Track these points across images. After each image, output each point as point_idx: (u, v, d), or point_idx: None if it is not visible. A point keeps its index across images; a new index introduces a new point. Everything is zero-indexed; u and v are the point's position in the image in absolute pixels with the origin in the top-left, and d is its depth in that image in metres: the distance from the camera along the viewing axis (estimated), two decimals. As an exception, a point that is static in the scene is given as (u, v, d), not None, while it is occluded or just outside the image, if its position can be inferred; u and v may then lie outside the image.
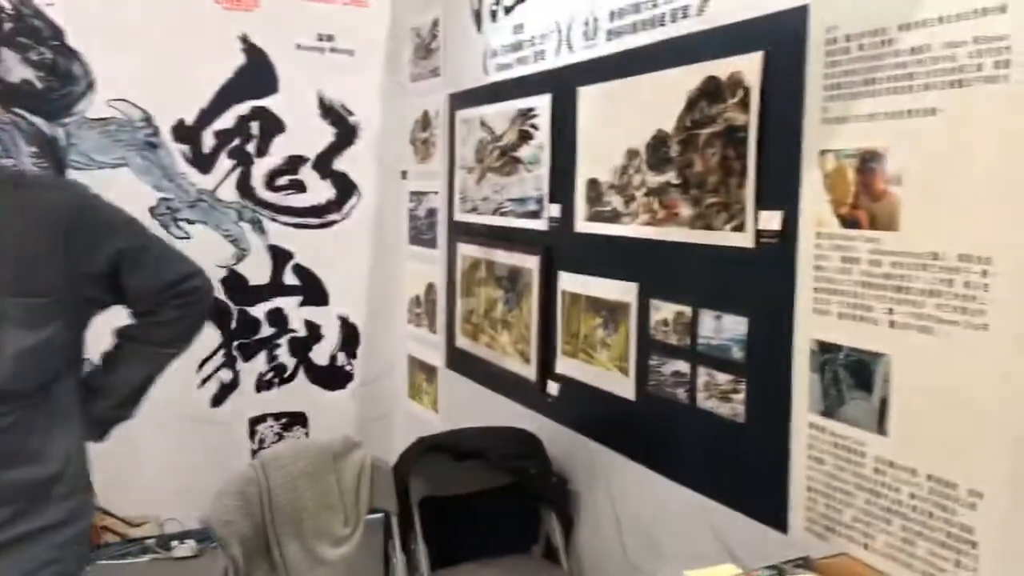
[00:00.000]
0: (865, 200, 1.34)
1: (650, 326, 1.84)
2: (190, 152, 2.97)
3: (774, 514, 1.55)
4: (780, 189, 1.51)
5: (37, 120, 2.72)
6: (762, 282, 1.55)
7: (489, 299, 2.56)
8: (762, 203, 1.55)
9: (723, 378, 1.64)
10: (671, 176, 1.77)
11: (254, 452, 3.12)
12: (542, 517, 2.16)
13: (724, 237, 1.63)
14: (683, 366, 1.74)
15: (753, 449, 1.59)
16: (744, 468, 1.62)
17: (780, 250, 1.51)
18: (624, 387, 1.93)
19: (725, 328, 1.64)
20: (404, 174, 3.23)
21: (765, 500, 1.57)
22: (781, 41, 1.51)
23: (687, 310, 1.73)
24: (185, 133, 2.95)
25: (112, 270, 1.39)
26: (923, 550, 1.28)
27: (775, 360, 1.52)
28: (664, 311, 1.80)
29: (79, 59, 2.74)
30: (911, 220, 1.27)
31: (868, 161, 1.33)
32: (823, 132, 1.42)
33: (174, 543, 2.95)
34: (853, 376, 1.38)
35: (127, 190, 2.73)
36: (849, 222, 1.37)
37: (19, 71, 2.69)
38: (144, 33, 2.81)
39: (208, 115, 2.99)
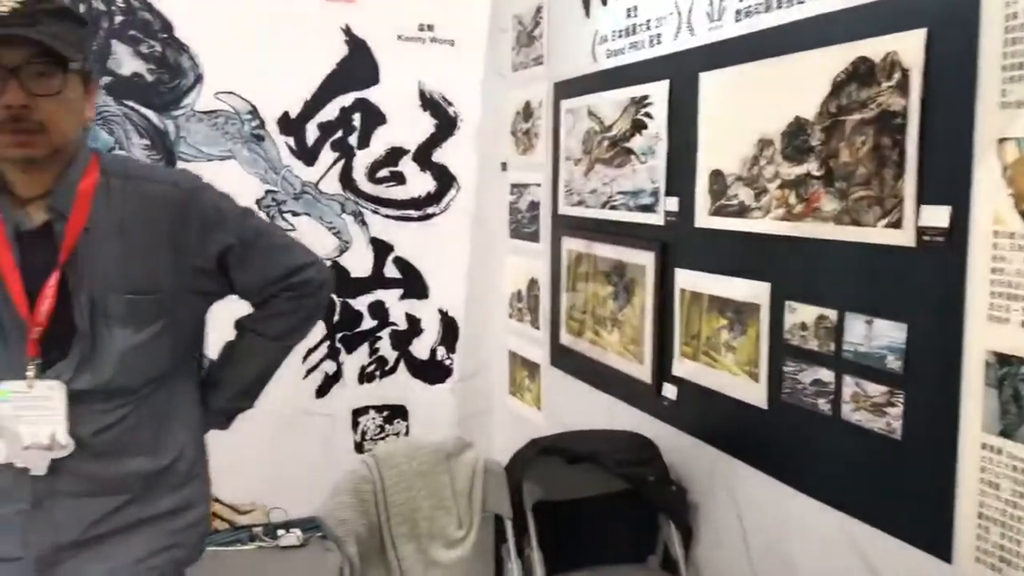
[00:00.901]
0: (1059, 195, 1.18)
1: (784, 329, 1.71)
2: (294, 144, 2.97)
3: (936, 541, 1.40)
4: (947, 182, 1.36)
5: (148, 112, 2.76)
6: (925, 285, 1.41)
7: (597, 296, 2.47)
8: (925, 197, 1.40)
9: (875, 389, 1.50)
10: (812, 167, 1.63)
11: (357, 444, 3.13)
12: (660, 526, 2.06)
13: (877, 234, 1.49)
14: (825, 374, 1.61)
15: (912, 469, 1.45)
16: (900, 489, 1.48)
17: (947, 250, 1.36)
18: (754, 394, 1.80)
19: (878, 335, 1.49)
20: (504, 166, 3.15)
21: (925, 525, 1.43)
22: (947, 17, 1.35)
23: (831, 313, 1.60)
24: (290, 125, 2.95)
25: (221, 264, 1.38)
26: None
27: (941, 372, 1.38)
28: (802, 314, 1.66)
29: (187, 52, 2.77)
30: (1122, 218, 1.11)
31: (1066, 151, 1.17)
32: (1002, 118, 1.26)
33: (280, 532, 2.97)
34: (1038, 393, 1.23)
35: (234, 182, 2.73)
36: (1037, 220, 1.22)
37: (130, 64, 2.73)
38: (250, 26, 2.81)
39: (312, 107, 2.98)
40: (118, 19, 2.71)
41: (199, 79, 2.81)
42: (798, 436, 1.70)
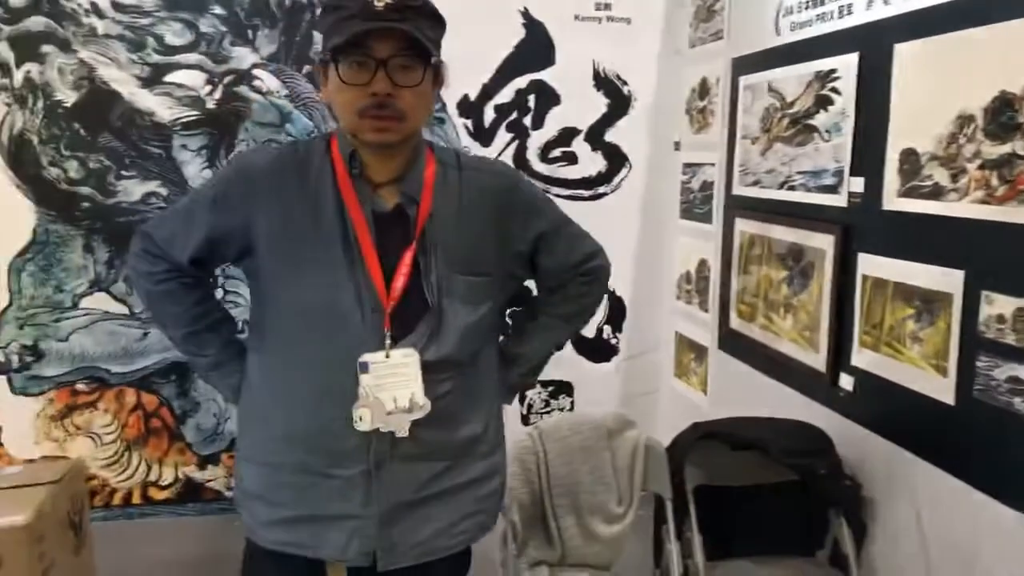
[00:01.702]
0: None
1: (979, 321, 1.59)
2: (472, 126, 3.08)
3: None
4: None
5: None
6: None
7: (770, 279, 2.39)
8: None
9: (1082, 390, 1.37)
10: (1018, 146, 1.50)
11: (523, 416, 3.23)
12: (830, 521, 1.98)
13: (1093, 220, 1.35)
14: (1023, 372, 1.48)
15: (1121, 479, 1.31)
16: (1106, 500, 1.34)
17: None
18: (941, 389, 1.69)
19: (1088, 330, 1.36)
20: (677, 145, 3.11)
21: None
22: None
23: (1033, 306, 1.46)
24: (468, 108, 3.07)
25: (533, 250, 1.49)
26: None
27: None
28: (1000, 305, 1.54)
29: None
30: None
31: None
32: None
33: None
34: None
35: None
36: None
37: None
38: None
39: (490, 90, 3.07)
40: (319, 11, 2.92)
41: (388, 66, 2.98)
42: (989, 436, 1.57)
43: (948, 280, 1.67)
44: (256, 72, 2.77)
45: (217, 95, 2.82)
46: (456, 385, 1.39)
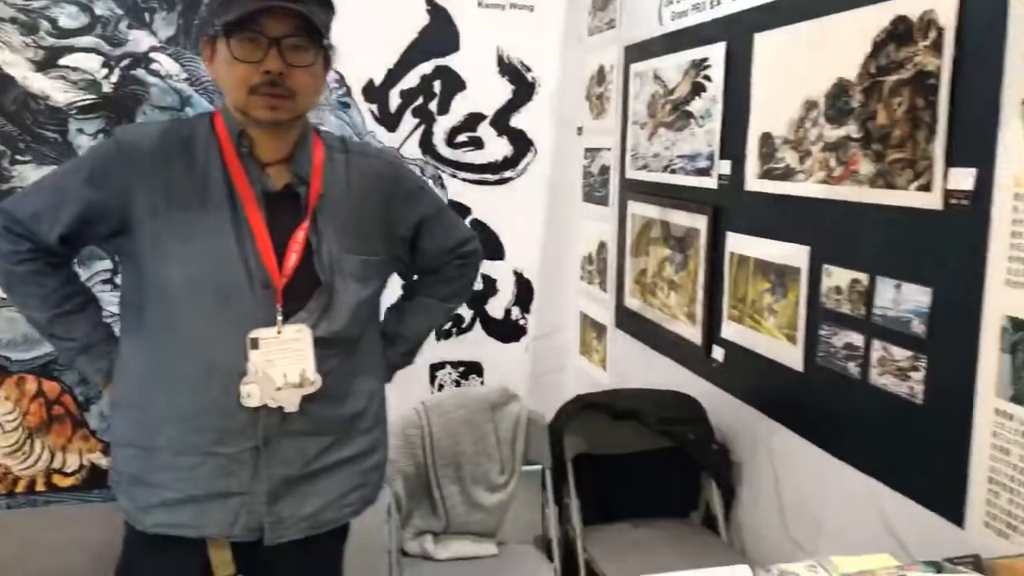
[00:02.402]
0: (1076, 156, 1.15)
1: (821, 293, 1.71)
2: (378, 111, 3.12)
3: (950, 505, 1.40)
4: (975, 144, 1.33)
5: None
6: (950, 249, 1.39)
7: (658, 259, 2.50)
8: (954, 160, 1.38)
9: (901, 354, 1.50)
10: (851, 129, 1.62)
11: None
12: (702, 485, 2.10)
13: (908, 197, 1.47)
14: (856, 338, 1.61)
15: (931, 433, 1.44)
16: (919, 453, 1.47)
17: (972, 213, 1.34)
18: (792, 357, 1.81)
19: (905, 299, 1.48)
20: (580, 130, 3.20)
21: (941, 489, 1.42)
22: (985, -28, 1.31)
23: (863, 277, 1.59)
24: (373, 93, 3.10)
25: (414, 234, 1.53)
26: None
27: (961, 337, 1.36)
28: (837, 277, 1.66)
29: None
30: None
31: (1082, 110, 1.13)
32: (1029, 77, 1.23)
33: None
34: (1051, 359, 1.21)
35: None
36: (1055, 182, 1.18)
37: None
38: (337, -1, 2.97)
39: (394, 75, 3.11)
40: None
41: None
42: (830, 399, 1.70)
43: (797, 255, 1.79)
44: (154, 55, 2.76)
45: (114, 79, 2.80)
46: (344, 361, 1.42)
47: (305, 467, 1.40)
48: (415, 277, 1.67)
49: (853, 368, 1.62)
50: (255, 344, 1.34)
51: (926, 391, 1.45)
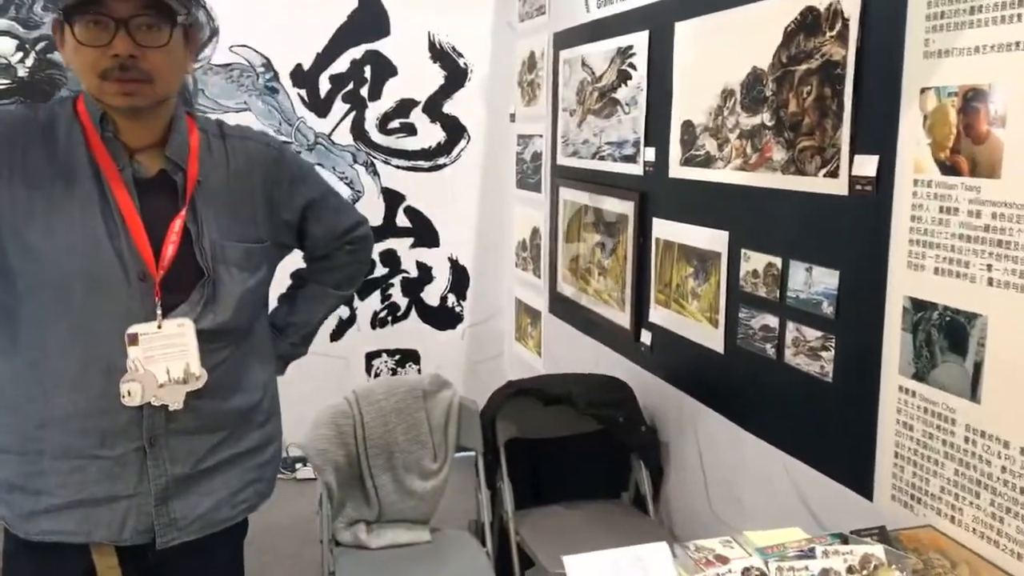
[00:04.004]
0: (967, 144, 1.20)
1: (740, 277, 1.76)
2: (307, 96, 3.08)
3: (859, 479, 1.46)
4: (877, 131, 1.38)
5: (169, 68, 2.90)
6: (855, 233, 1.44)
7: (589, 245, 2.53)
8: (858, 147, 1.43)
9: (812, 334, 1.55)
10: (765, 117, 1.66)
11: (369, 386, 3.29)
12: (632, 466, 2.15)
13: (817, 184, 1.52)
14: (772, 320, 1.66)
15: (840, 410, 1.50)
16: (830, 429, 1.53)
17: (875, 198, 1.39)
18: (713, 339, 1.86)
19: (815, 281, 1.54)
20: (512, 117, 3.21)
21: (851, 464, 1.48)
22: (887, -35, 1.36)
23: (777, 261, 1.64)
24: (302, 78, 3.06)
25: (301, 218, 1.48)
26: (1012, 527, 1.18)
27: (866, 317, 1.42)
28: (754, 262, 1.71)
29: (203, 6, 2.87)
30: (1015, 167, 1.13)
31: (971, 100, 1.19)
32: (924, 67, 1.28)
33: (298, 465, 3.17)
34: (947, 337, 1.27)
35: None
36: (949, 168, 1.24)
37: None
38: (263, -20, 2.91)
39: (324, 59, 3.08)
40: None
41: (215, 33, 2.92)
42: (748, 379, 1.76)
43: (717, 240, 1.83)
44: (69, 40, 2.67)
45: (29, 62, 2.70)
46: (232, 354, 1.37)
47: (196, 465, 1.34)
48: (304, 264, 1.63)
49: (770, 349, 1.67)
50: (134, 340, 1.26)
51: (835, 370, 1.51)
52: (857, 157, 1.42)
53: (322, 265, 1.57)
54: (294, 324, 1.58)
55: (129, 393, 1.26)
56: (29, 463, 1.29)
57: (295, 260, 1.56)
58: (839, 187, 1.46)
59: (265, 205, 1.40)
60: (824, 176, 1.50)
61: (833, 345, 1.51)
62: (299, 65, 3.04)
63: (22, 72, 2.72)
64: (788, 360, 1.62)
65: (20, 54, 2.71)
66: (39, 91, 2.72)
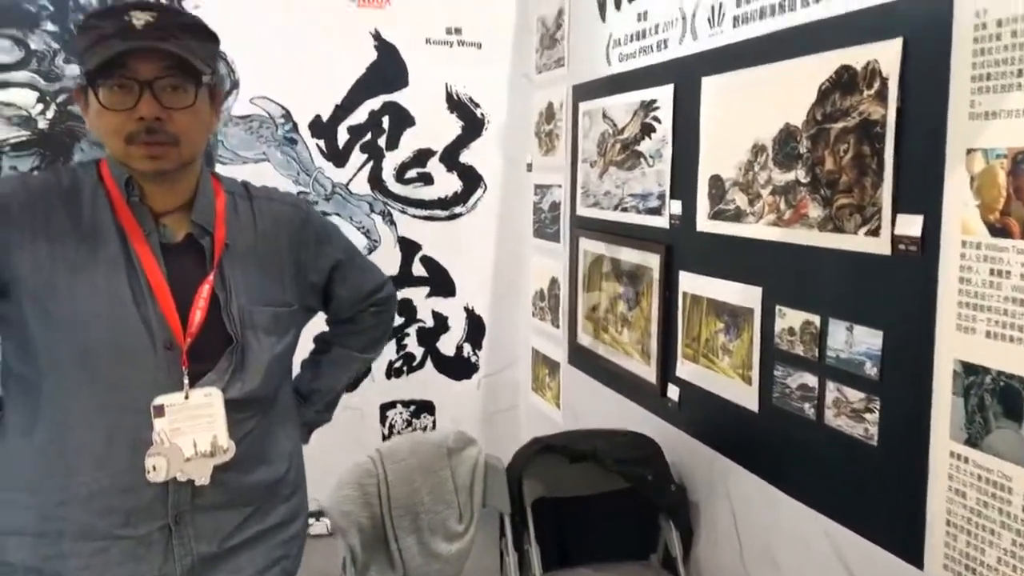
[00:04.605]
0: (1017, 206, 1.18)
1: (775, 334, 1.73)
2: (325, 147, 3.08)
3: (908, 547, 1.41)
4: (921, 191, 1.36)
5: (188, 119, 2.91)
6: (899, 293, 1.41)
7: (611, 296, 2.51)
8: (900, 206, 1.41)
9: (854, 395, 1.51)
10: (800, 174, 1.65)
11: (385, 437, 3.23)
12: (661, 525, 2.09)
13: (857, 242, 1.50)
14: (810, 379, 1.63)
15: (887, 475, 1.46)
16: (876, 494, 1.49)
17: (920, 259, 1.37)
18: (747, 397, 1.82)
19: (857, 341, 1.51)
20: (529, 167, 3.21)
21: (898, 531, 1.44)
22: (922, 26, 1.36)
23: (815, 319, 1.61)
24: (321, 128, 3.07)
25: (327, 279, 1.45)
26: (1081, 606, 1.13)
27: (913, 380, 1.38)
28: (790, 319, 1.68)
29: (224, 59, 2.90)
30: (1075, 232, 1.11)
31: (1021, 162, 1.17)
32: (970, 129, 1.26)
33: (312, 520, 3.10)
34: (1001, 403, 1.23)
35: (268, 185, 2.87)
36: (999, 230, 1.22)
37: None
38: (284, 33, 2.93)
39: (342, 110, 3.09)
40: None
41: (235, 85, 2.94)
42: (786, 440, 1.71)
43: (749, 296, 1.80)
44: (91, 92, 2.67)
45: (49, 114, 2.71)
46: (259, 424, 1.31)
47: (222, 543, 1.28)
48: (327, 328, 1.60)
49: (808, 409, 1.63)
50: (160, 411, 1.21)
51: (881, 433, 1.47)
52: (900, 216, 1.40)
53: (347, 328, 1.54)
54: (319, 390, 1.54)
55: (154, 468, 1.21)
56: (48, 545, 1.23)
57: (317, 324, 1.53)
58: (881, 246, 1.44)
59: (292, 267, 1.37)
60: (865, 235, 1.48)
61: (877, 407, 1.47)
62: (318, 116, 3.05)
63: (42, 124, 2.72)
64: (829, 421, 1.58)
65: (41, 106, 2.72)
66: (59, 143, 2.73)
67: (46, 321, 1.21)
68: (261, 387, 1.29)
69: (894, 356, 1.44)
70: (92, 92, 1.18)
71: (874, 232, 1.46)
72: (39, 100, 2.71)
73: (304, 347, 1.51)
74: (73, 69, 2.70)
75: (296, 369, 1.51)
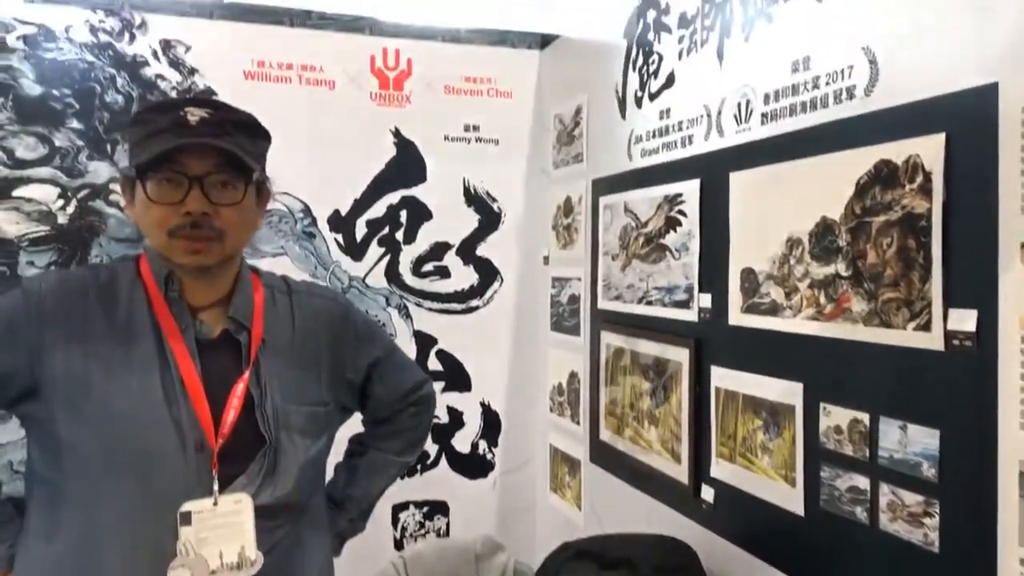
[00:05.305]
0: (1087, 302, 1.15)
1: (820, 432, 1.66)
2: (343, 240, 3.08)
3: (982, 666, 1.31)
4: (973, 285, 1.33)
5: (209, 214, 2.92)
6: (955, 390, 1.36)
7: (635, 391, 2.44)
8: (952, 300, 1.37)
9: (911, 498, 1.44)
10: (840, 267, 1.62)
11: (396, 541, 3.10)
12: (697, 637, 1.97)
13: (906, 337, 1.46)
14: (861, 481, 1.55)
15: (951, 584, 1.37)
16: (941, 606, 1.39)
17: (976, 354, 1.32)
18: (791, 500, 1.74)
19: (912, 440, 1.44)
20: (546, 260, 3.20)
21: (969, 648, 1.34)
22: (966, 121, 1.35)
23: (864, 417, 1.55)
24: (339, 223, 3.07)
25: (365, 378, 1.40)
26: None
27: (975, 482, 1.32)
28: (836, 416, 1.62)
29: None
30: None
31: (1089, 257, 1.14)
32: (1022, 223, 1.24)
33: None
34: (1080, 509, 1.16)
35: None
36: (1066, 326, 1.18)
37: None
38: (307, 130, 2.97)
39: (361, 205, 3.10)
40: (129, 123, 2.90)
41: (256, 180, 2.95)
42: (836, 546, 1.62)
43: (789, 392, 1.75)
44: (114, 186, 2.69)
45: (70, 209, 2.72)
46: (289, 533, 1.25)
47: None
48: (364, 428, 1.53)
49: (861, 513, 1.55)
50: (186, 519, 1.16)
51: (942, 539, 1.39)
52: (952, 311, 1.37)
53: (385, 429, 1.48)
54: (353, 497, 1.47)
55: None
56: None
57: (352, 425, 1.47)
58: (933, 342, 1.40)
59: (330, 364, 1.34)
60: (914, 329, 1.44)
61: (937, 511, 1.39)
62: (337, 210, 3.06)
63: (62, 219, 2.73)
64: (884, 526, 1.50)
65: (61, 201, 2.73)
66: (78, 238, 2.72)
67: (76, 420, 1.17)
68: (293, 493, 1.23)
69: (953, 456, 1.37)
70: (140, 184, 1.18)
71: (924, 327, 1.42)
72: (60, 196, 2.72)
73: (338, 450, 1.45)
74: (96, 165, 2.73)
75: (329, 473, 1.44)
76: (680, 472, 2.17)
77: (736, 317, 1.95)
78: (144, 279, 1.24)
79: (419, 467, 3.17)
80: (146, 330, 1.21)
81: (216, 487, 1.18)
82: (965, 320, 1.34)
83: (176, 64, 2.80)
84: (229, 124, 1.22)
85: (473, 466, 3.23)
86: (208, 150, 1.19)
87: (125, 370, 1.18)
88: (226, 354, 1.25)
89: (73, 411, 1.16)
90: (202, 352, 1.22)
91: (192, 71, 2.81)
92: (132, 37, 2.74)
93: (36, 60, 2.64)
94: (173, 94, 2.76)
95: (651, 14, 2.38)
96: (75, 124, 2.71)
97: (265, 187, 1.33)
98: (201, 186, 1.19)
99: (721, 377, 2.01)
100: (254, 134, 1.28)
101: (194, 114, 1.18)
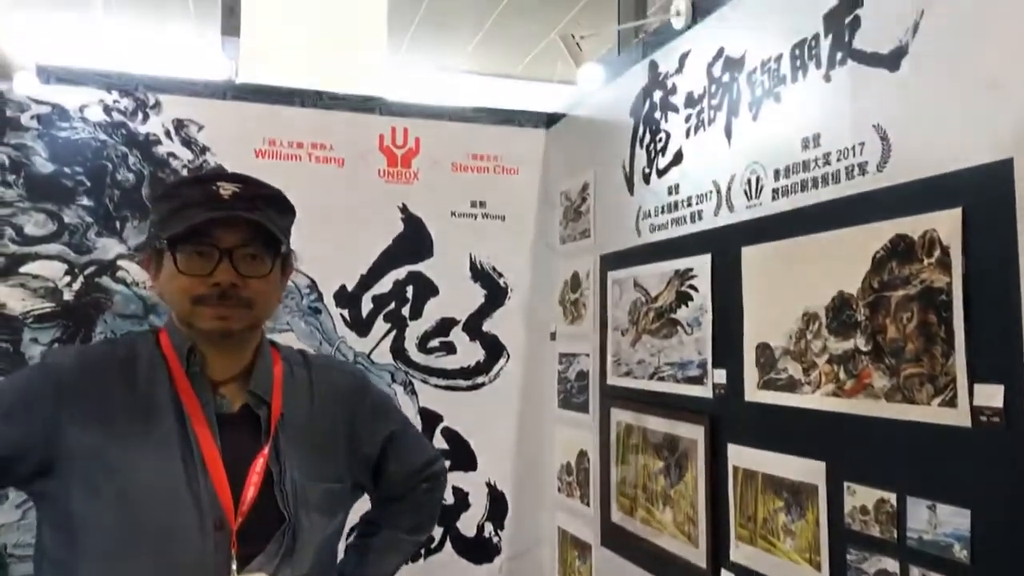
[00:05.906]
0: (1121, 376, 1.12)
1: (845, 513, 1.61)
2: (349, 316, 3.06)
3: None
4: (998, 360, 1.31)
5: (214, 290, 2.91)
6: (985, 468, 1.32)
7: (647, 470, 2.38)
8: (977, 376, 1.35)
9: (945, 582, 1.38)
10: (859, 342, 1.60)
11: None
12: None
13: (931, 413, 1.42)
14: (891, 564, 1.49)
15: (994, 676, 1.30)
16: None
17: (1005, 431, 1.29)
18: (816, 584, 1.67)
19: (942, 521, 1.39)
20: (553, 335, 3.18)
21: None
22: (981, 196, 1.36)
23: (891, 496, 1.50)
24: (346, 298, 3.06)
25: (380, 453, 1.38)
26: None
27: (1011, 564, 1.26)
28: (861, 496, 1.57)
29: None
30: None
31: (1121, 331, 1.12)
32: (1050, 295, 1.23)
33: None
34: None
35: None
36: (1101, 402, 1.15)
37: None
38: (314, 206, 2.96)
39: (368, 281, 3.09)
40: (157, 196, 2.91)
41: (263, 256, 2.96)
42: (867, 634, 1.55)
43: (812, 471, 1.70)
44: (121, 263, 2.69)
45: (76, 286, 2.71)
46: None
47: None
48: (374, 508, 1.48)
49: (892, 598, 1.49)
50: None
51: (982, 627, 1.32)
52: (978, 386, 1.34)
53: (398, 507, 1.44)
54: None
55: None
56: None
57: (362, 505, 1.43)
58: (960, 418, 1.37)
59: (347, 438, 1.32)
60: (939, 405, 1.41)
61: (975, 597, 1.33)
62: (343, 286, 3.06)
63: (68, 296, 2.72)
64: (918, 613, 1.43)
65: (68, 278, 2.72)
66: (83, 314, 2.71)
67: (92, 497, 1.14)
68: (311, 572, 1.19)
69: (985, 537, 1.32)
70: (171, 255, 1.18)
71: (950, 403, 1.39)
72: (67, 272, 2.71)
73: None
74: (104, 242, 2.73)
75: (340, 554, 1.39)
76: (698, 556, 2.10)
77: (753, 393, 1.92)
78: (165, 353, 1.23)
79: (423, 552, 3.07)
80: (166, 406, 1.19)
81: (235, 566, 1.14)
82: (992, 396, 1.31)
83: (188, 143, 2.84)
84: (260, 199, 1.24)
85: (479, 550, 3.13)
86: (239, 223, 1.20)
87: (144, 446, 1.16)
88: (245, 429, 1.23)
89: (89, 488, 1.13)
90: (221, 427, 1.21)
91: (204, 149, 2.85)
92: (146, 116, 2.79)
93: (49, 139, 2.68)
94: (184, 172, 2.79)
95: (657, 94, 2.43)
96: (85, 201, 2.73)
97: (289, 261, 1.34)
98: (231, 259, 1.20)
99: (739, 455, 1.96)
100: (282, 208, 1.30)
101: (226, 188, 1.21)
